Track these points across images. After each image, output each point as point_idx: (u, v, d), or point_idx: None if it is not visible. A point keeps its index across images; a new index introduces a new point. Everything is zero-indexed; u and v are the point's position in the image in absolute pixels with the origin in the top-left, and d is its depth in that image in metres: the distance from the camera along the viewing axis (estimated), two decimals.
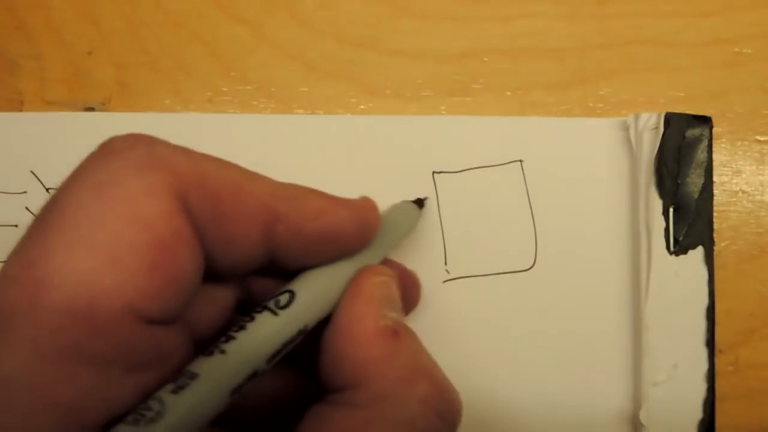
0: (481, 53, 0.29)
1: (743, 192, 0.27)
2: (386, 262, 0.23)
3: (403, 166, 0.28)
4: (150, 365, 0.17)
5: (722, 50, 0.28)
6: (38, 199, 0.28)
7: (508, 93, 0.28)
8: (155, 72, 0.29)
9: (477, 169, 0.27)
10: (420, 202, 0.26)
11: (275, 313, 0.18)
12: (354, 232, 0.20)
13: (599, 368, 0.26)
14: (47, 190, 0.28)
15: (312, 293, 0.19)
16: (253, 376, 0.18)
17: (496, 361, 0.27)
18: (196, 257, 0.17)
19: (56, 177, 0.28)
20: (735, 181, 0.27)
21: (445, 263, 0.27)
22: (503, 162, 0.27)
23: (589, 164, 0.27)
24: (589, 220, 0.27)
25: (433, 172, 0.28)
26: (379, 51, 0.29)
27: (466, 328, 0.27)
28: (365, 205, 0.21)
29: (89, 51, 0.30)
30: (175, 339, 0.17)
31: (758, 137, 0.28)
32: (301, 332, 0.19)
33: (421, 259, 0.27)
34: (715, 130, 0.27)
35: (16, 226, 0.28)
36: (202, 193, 0.17)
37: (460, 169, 0.28)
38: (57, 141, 0.28)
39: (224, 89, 0.29)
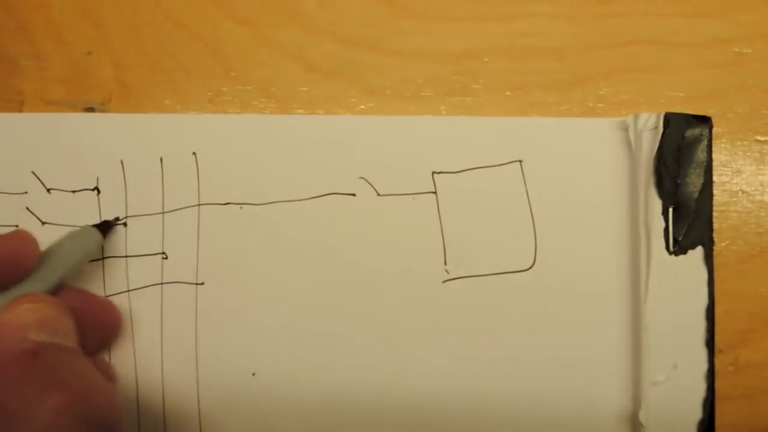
0: (481, 53, 0.29)
1: (743, 192, 0.27)
2: (63, 288, 0.25)
3: (403, 166, 0.28)
4: None
5: (722, 50, 0.28)
6: (39, 200, 0.28)
7: (508, 93, 0.28)
8: (155, 72, 0.29)
9: (477, 169, 0.28)
10: (107, 225, 0.27)
11: None
12: (1, 266, 0.22)
13: (599, 368, 0.26)
14: (48, 190, 0.28)
15: None
16: None
17: (496, 361, 0.27)
18: None
19: (56, 177, 0.28)
20: (735, 181, 0.27)
21: (445, 263, 0.27)
22: (503, 162, 0.27)
23: (589, 164, 0.27)
24: (589, 220, 0.27)
25: (433, 172, 0.28)
26: (379, 51, 0.29)
27: (466, 328, 0.27)
28: (15, 237, 0.23)
29: (89, 51, 0.30)
30: None
31: (758, 137, 0.28)
32: None
33: (421, 260, 0.27)
34: (715, 130, 0.27)
35: (16, 226, 0.28)
36: None
37: (460, 169, 0.28)
38: (57, 141, 0.28)
39: (224, 89, 0.29)
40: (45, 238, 0.27)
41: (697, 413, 0.25)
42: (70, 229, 0.27)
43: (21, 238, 0.24)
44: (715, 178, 0.27)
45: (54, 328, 0.22)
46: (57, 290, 0.25)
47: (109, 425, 0.21)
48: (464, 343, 0.27)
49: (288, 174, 0.28)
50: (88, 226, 0.27)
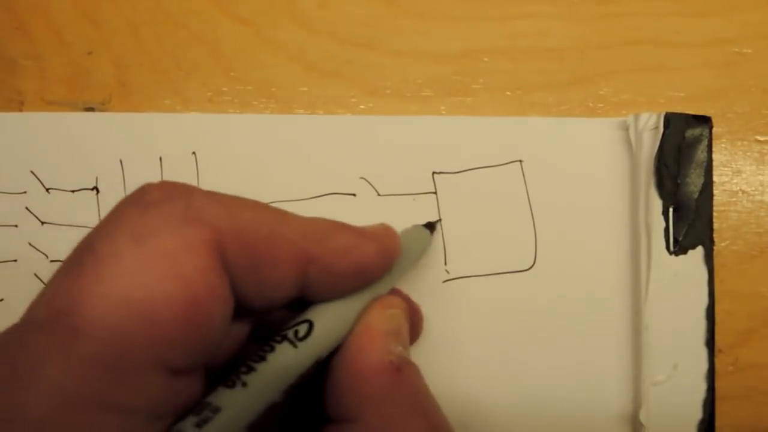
0: (481, 53, 0.29)
1: (743, 192, 0.27)
2: (393, 291, 0.23)
3: (403, 166, 0.28)
4: (173, 411, 0.17)
5: (722, 50, 0.28)
6: (38, 199, 0.28)
7: (508, 93, 0.28)
8: (155, 72, 0.29)
9: (477, 170, 0.27)
10: (431, 226, 0.26)
11: (294, 344, 0.18)
12: (378, 265, 0.20)
13: (599, 368, 0.26)
14: (47, 190, 0.28)
15: (329, 324, 0.19)
16: (270, 408, 0.18)
17: (496, 361, 0.27)
18: (228, 310, 0.17)
19: (56, 177, 0.28)
20: (735, 181, 0.27)
21: (445, 263, 0.27)
22: (503, 162, 0.27)
23: (589, 164, 0.27)
24: (589, 220, 0.27)
25: (433, 172, 0.28)
26: (379, 51, 0.29)
27: (466, 328, 0.27)
28: (387, 234, 0.21)
29: (89, 51, 0.30)
30: (196, 384, 0.18)
31: (758, 137, 0.28)
32: (316, 363, 0.19)
33: (422, 259, 0.27)
34: (715, 130, 0.27)
35: (16, 226, 0.28)
36: (239, 245, 0.17)
37: (460, 169, 0.28)
38: (57, 141, 0.28)
39: (224, 89, 0.29)
40: (44, 238, 0.27)
41: (697, 413, 0.25)
42: (69, 228, 0.27)
43: (393, 236, 0.21)
44: (715, 178, 0.27)
45: (404, 340, 0.20)
46: (389, 293, 0.22)
47: None
48: (464, 343, 0.27)
49: (288, 174, 0.28)
50: (418, 226, 0.25)
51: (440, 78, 0.29)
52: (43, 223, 0.28)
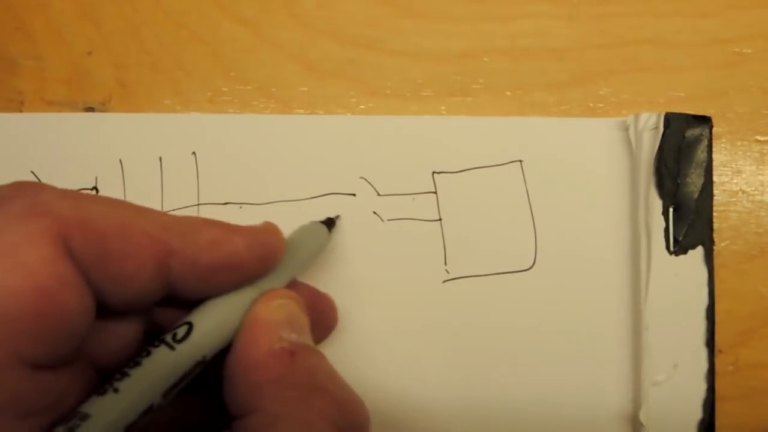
0: (481, 53, 0.29)
1: (743, 192, 0.27)
2: (295, 284, 0.23)
3: (403, 166, 0.28)
4: (43, 409, 0.17)
5: (722, 50, 0.28)
6: None
7: (508, 93, 0.28)
8: (155, 72, 0.29)
9: (477, 169, 0.27)
10: (330, 222, 0.26)
11: (172, 347, 0.19)
12: (252, 260, 0.20)
13: (599, 368, 0.26)
14: None
15: (211, 323, 0.20)
16: (149, 411, 0.18)
17: (496, 361, 0.27)
18: (83, 299, 0.17)
19: (55, 176, 0.28)
20: (735, 181, 0.27)
21: (445, 263, 0.27)
22: (503, 162, 0.27)
23: (589, 164, 0.27)
24: (589, 220, 0.27)
25: (433, 172, 0.28)
26: (379, 51, 0.29)
27: (466, 328, 0.27)
28: (266, 230, 0.21)
29: (89, 51, 0.30)
30: (70, 380, 0.17)
31: (758, 137, 0.28)
32: (199, 363, 0.19)
33: (421, 259, 0.27)
34: (715, 130, 0.27)
35: None
36: (87, 235, 0.17)
37: (460, 169, 0.28)
38: (57, 141, 0.28)
39: (224, 89, 0.29)
40: None
41: (697, 413, 0.25)
42: None
43: (272, 231, 0.21)
44: (715, 178, 0.27)
45: (300, 327, 0.21)
46: (290, 286, 0.23)
47: None
48: (464, 343, 0.27)
49: (288, 174, 0.28)
50: (315, 222, 0.25)
51: (440, 78, 0.29)
52: None
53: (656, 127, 0.26)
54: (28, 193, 0.17)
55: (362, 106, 0.29)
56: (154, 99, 0.29)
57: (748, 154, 0.28)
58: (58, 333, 0.16)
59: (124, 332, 0.20)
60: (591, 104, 0.28)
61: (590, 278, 0.27)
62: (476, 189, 0.27)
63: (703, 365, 0.25)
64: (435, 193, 0.27)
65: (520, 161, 0.27)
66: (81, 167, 0.28)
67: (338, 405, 0.19)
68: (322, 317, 0.25)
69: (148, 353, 0.18)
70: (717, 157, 0.27)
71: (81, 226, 0.17)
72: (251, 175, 0.28)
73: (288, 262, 0.22)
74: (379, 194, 0.28)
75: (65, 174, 0.28)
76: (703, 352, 0.25)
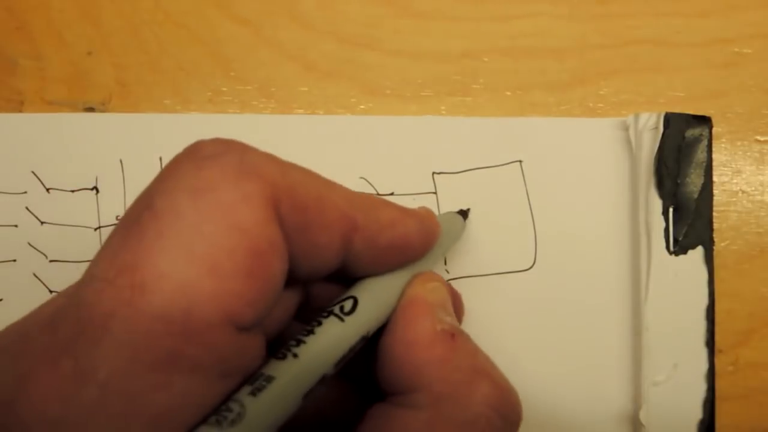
0: (481, 53, 0.29)
1: (743, 192, 0.27)
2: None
3: (403, 166, 0.28)
4: (238, 370, 0.17)
5: (722, 50, 0.28)
6: (38, 199, 0.28)
7: (508, 93, 0.28)
8: (155, 72, 0.29)
9: (477, 170, 0.27)
10: (464, 214, 0.26)
11: (341, 319, 0.19)
12: (419, 243, 0.20)
13: (599, 368, 0.26)
14: (47, 190, 0.28)
15: (374, 300, 0.20)
16: (322, 380, 0.18)
17: (496, 361, 0.27)
18: (285, 264, 0.17)
19: (56, 177, 0.28)
20: (735, 181, 0.27)
21: (445, 263, 0.27)
22: (503, 162, 0.27)
23: (589, 164, 0.27)
24: (589, 220, 0.27)
25: (433, 173, 0.28)
26: (379, 51, 0.29)
27: (466, 327, 0.27)
28: (428, 215, 0.21)
29: (89, 51, 0.30)
30: (258, 344, 0.17)
31: (758, 137, 0.28)
32: (363, 338, 0.19)
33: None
34: (715, 130, 0.27)
35: (16, 226, 0.28)
36: (292, 202, 0.17)
37: (460, 170, 0.28)
38: (57, 141, 0.28)
39: (224, 89, 0.29)
40: (44, 238, 0.27)
41: (697, 413, 0.25)
42: (69, 228, 0.27)
43: (432, 217, 0.21)
44: (715, 178, 0.27)
45: (451, 312, 0.21)
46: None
47: (516, 429, 0.19)
48: None
49: None
50: (452, 212, 0.26)
51: (440, 78, 0.29)
52: (42, 223, 0.28)
53: (656, 127, 0.26)
54: (235, 152, 0.17)
55: (362, 106, 0.29)
56: (154, 99, 0.29)
57: (748, 154, 0.28)
58: (265, 296, 0.16)
59: (288, 302, 0.20)
60: (591, 104, 0.28)
61: (590, 278, 0.27)
62: (476, 189, 0.27)
63: (703, 365, 0.25)
64: (435, 193, 0.27)
65: (520, 161, 0.27)
66: (81, 167, 0.28)
67: (500, 391, 0.19)
68: (455, 309, 0.24)
69: (319, 323, 0.18)
70: (717, 157, 0.27)
71: (288, 192, 0.17)
72: None
73: (435, 249, 0.22)
74: (379, 194, 0.28)
75: (65, 174, 0.28)
76: (703, 352, 0.25)
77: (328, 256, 0.18)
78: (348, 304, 0.19)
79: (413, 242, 0.20)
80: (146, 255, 0.15)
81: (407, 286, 0.21)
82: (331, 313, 0.19)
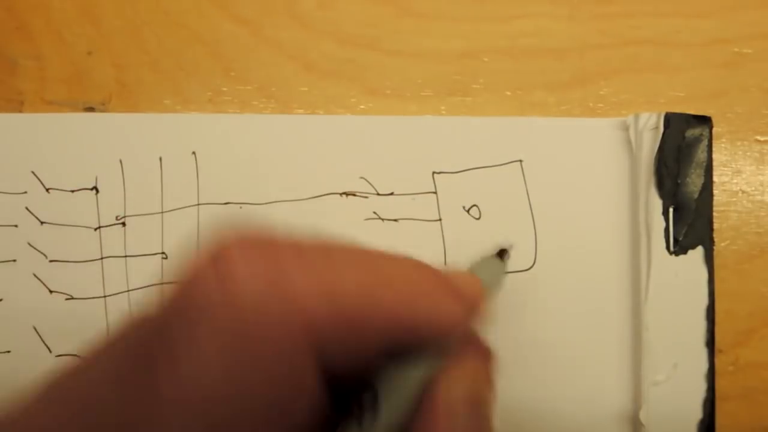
0: (481, 53, 0.29)
1: (743, 192, 0.27)
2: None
3: (403, 166, 0.28)
4: None
5: (722, 50, 0.28)
6: (38, 199, 0.28)
7: (508, 93, 0.28)
8: (155, 72, 0.29)
9: (477, 170, 0.27)
10: (503, 253, 0.23)
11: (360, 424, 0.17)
12: (460, 329, 0.18)
13: (599, 368, 0.26)
14: (47, 190, 0.28)
15: (396, 400, 0.17)
16: None
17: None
18: (322, 403, 0.16)
19: (55, 177, 0.28)
20: (735, 181, 0.27)
21: (445, 263, 0.27)
22: (503, 162, 0.27)
23: (589, 164, 0.27)
24: (589, 220, 0.27)
25: (433, 172, 0.28)
26: (379, 51, 0.29)
27: None
28: (474, 291, 0.19)
29: (89, 51, 0.30)
30: None
31: (758, 137, 0.28)
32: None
33: (421, 259, 0.27)
34: (715, 130, 0.27)
35: (16, 226, 0.28)
36: (337, 328, 0.15)
37: (460, 169, 0.28)
38: (57, 141, 0.28)
39: (224, 89, 0.29)
40: (44, 238, 0.27)
41: (697, 413, 0.25)
42: (69, 228, 0.27)
43: (479, 292, 0.19)
44: (715, 178, 0.27)
45: (483, 401, 0.18)
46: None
47: None
48: None
49: (288, 174, 0.28)
50: (489, 257, 0.22)
51: (440, 78, 0.29)
52: (42, 223, 0.28)
53: (656, 127, 0.26)
54: (267, 269, 0.15)
55: (362, 106, 0.29)
56: (154, 99, 0.29)
57: (748, 154, 0.28)
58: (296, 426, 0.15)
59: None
60: (591, 104, 0.28)
61: (590, 278, 0.27)
62: (476, 189, 0.27)
63: (703, 365, 0.25)
64: (435, 193, 0.27)
65: (520, 161, 0.27)
66: (81, 167, 0.28)
67: None
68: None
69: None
70: (717, 157, 0.27)
71: (333, 323, 0.15)
72: (251, 175, 0.28)
73: None
74: (379, 194, 0.28)
75: (65, 174, 0.28)
76: (703, 352, 0.25)
77: (368, 359, 0.17)
78: (369, 415, 0.17)
79: (453, 331, 0.17)
80: (170, 377, 0.14)
81: (432, 387, 0.17)
82: (356, 414, 0.17)
